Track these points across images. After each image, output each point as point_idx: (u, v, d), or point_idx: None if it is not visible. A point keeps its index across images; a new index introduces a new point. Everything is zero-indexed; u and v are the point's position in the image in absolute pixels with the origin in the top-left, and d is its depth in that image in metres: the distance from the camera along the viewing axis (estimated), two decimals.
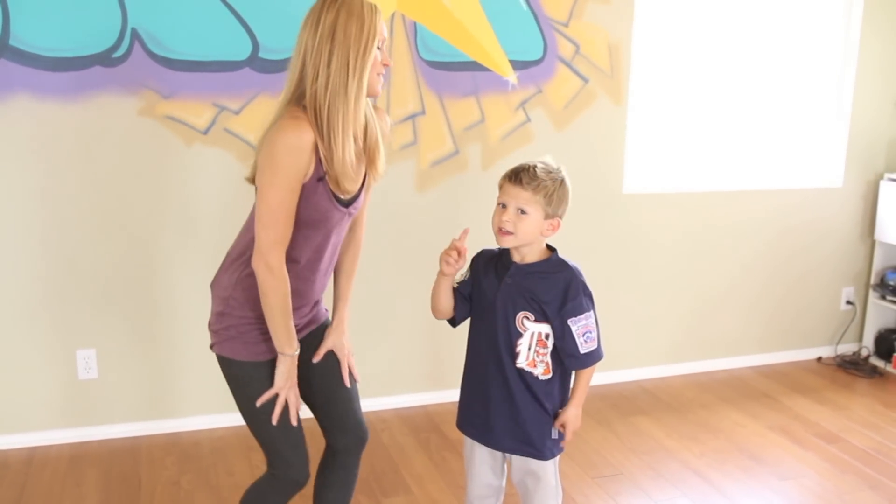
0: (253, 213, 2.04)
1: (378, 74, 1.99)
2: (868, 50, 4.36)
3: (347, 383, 2.20)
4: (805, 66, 4.35)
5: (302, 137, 1.87)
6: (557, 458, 2.26)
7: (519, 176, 2.09)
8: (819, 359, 4.68)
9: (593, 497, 3.13)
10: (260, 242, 1.90)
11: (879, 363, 4.56)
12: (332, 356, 2.23)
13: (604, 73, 3.92)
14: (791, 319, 4.61)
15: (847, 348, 4.73)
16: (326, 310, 2.31)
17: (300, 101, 1.94)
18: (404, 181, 3.72)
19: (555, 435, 2.22)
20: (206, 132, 3.42)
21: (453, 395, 3.97)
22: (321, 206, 1.97)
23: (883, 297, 4.55)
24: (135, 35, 3.26)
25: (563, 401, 2.21)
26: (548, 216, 2.09)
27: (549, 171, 2.09)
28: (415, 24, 3.56)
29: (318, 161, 1.92)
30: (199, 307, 3.58)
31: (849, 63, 4.36)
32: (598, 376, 4.20)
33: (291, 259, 2.01)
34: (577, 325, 2.11)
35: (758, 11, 4.18)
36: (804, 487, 3.24)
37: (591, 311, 2.15)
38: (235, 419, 3.66)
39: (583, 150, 3.95)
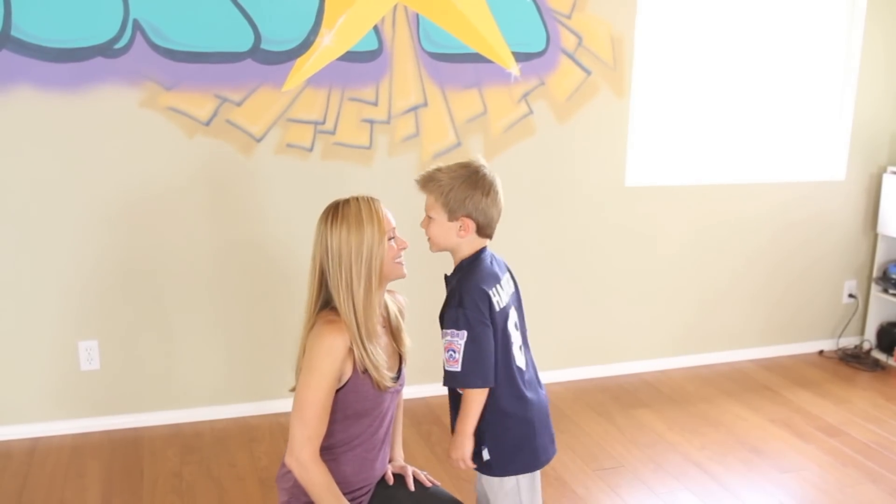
0: None
1: (396, 261, 2.04)
2: (871, 43, 4.34)
3: (412, 487, 2.20)
4: (808, 59, 4.34)
5: (337, 339, 1.95)
6: (505, 480, 2.12)
7: (419, 179, 2.06)
8: (821, 352, 4.68)
9: (594, 489, 3.13)
10: (293, 439, 1.95)
11: (881, 357, 4.56)
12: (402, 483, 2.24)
13: (606, 66, 3.91)
14: (793, 312, 4.61)
15: (849, 342, 4.73)
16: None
17: (329, 304, 2.02)
18: (406, 173, 3.71)
19: (485, 456, 2.11)
20: (207, 124, 3.42)
21: None
22: (371, 394, 2.04)
23: (885, 291, 4.54)
24: (136, 26, 3.25)
25: (488, 418, 2.07)
26: (452, 216, 2.02)
27: (452, 170, 2.01)
28: (417, 15, 3.55)
29: (354, 359, 1.99)
30: (201, 298, 3.59)
31: (852, 56, 4.35)
32: (600, 369, 4.22)
33: (352, 447, 2.08)
34: (445, 339, 1.99)
35: (761, 4, 4.17)
36: (805, 480, 3.25)
37: (461, 331, 1.96)
38: (237, 411, 3.68)
39: (585, 142, 3.95)
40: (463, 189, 1.99)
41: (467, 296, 1.99)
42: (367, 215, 2.00)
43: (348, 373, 1.99)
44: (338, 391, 1.99)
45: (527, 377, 2.12)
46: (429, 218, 2.07)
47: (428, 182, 2.03)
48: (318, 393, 1.93)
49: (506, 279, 2.13)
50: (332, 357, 1.94)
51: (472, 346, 1.97)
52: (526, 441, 2.11)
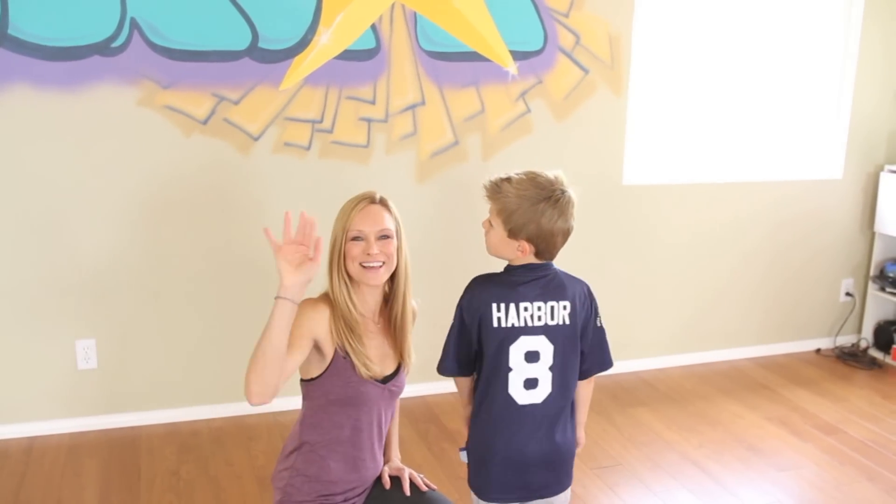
0: (304, 409, 2.13)
1: (363, 266, 2.01)
2: (869, 41, 4.34)
3: (407, 491, 2.17)
4: (806, 57, 4.34)
5: (315, 307, 2.00)
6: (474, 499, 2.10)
7: (486, 186, 1.96)
8: (818, 350, 4.69)
9: (592, 488, 3.14)
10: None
11: (878, 355, 4.57)
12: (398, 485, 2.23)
13: (604, 64, 3.91)
14: (790, 311, 4.61)
15: (846, 340, 4.73)
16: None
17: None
18: (404, 172, 3.71)
19: (463, 457, 2.11)
20: (205, 122, 3.41)
21: (451, 385, 3.97)
22: (353, 381, 2.03)
23: (882, 289, 4.55)
24: (134, 24, 3.24)
25: (473, 424, 2.07)
26: (511, 235, 1.92)
27: (523, 186, 1.89)
28: (415, 14, 3.55)
29: (335, 342, 2.01)
30: (198, 297, 3.59)
31: (849, 54, 4.35)
32: None
33: (340, 442, 2.08)
34: None
35: (759, 3, 4.17)
36: (802, 478, 3.25)
37: (454, 322, 2.01)
38: (234, 409, 3.68)
39: (583, 141, 3.95)
40: (528, 212, 1.88)
41: (469, 292, 1.99)
42: (343, 209, 2.04)
43: (329, 353, 2.00)
44: (321, 376, 2.02)
45: (523, 412, 1.97)
46: (489, 223, 1.97)
47: (495, 193, 1.93)
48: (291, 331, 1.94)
49: (548, 307, 1.96)
50: (306, 316, 1.95)
51: (450, 333, 2.02)
52: (481, 469, 2.05)
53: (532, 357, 1.96)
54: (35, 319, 3.40)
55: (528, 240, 1.92)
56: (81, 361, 3.48)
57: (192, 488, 3.08)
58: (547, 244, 1.93)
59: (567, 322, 1.99)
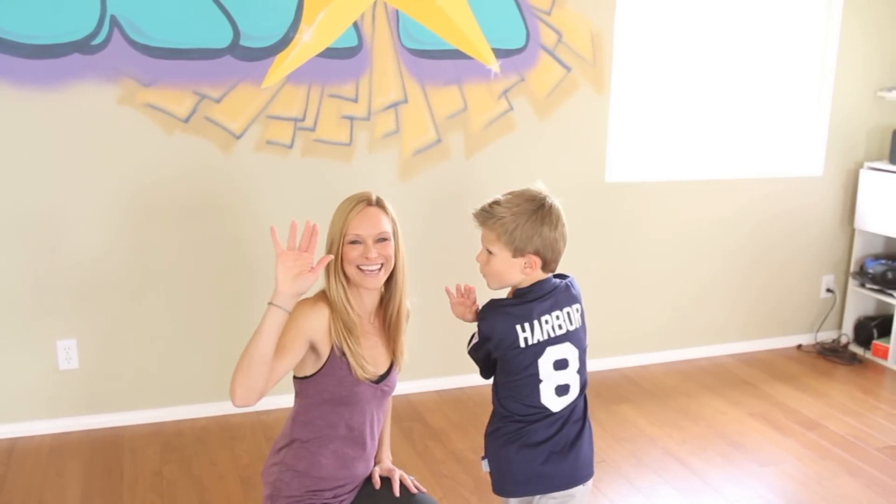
0: (296, 407, 2.13)
1: (360, 269, 2.02)
2: (849, 39, 4.38)
3: (397, 492, 2.17)
4: (786, 55, 4.37)
5: (314, 307, 2.00)
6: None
7: (476, 214, 1.96)
8: (799, 346, 4.72)
9: None
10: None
11: (858, 350, 4.60)
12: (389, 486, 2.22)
13: (586, 62, 3.92)
14: (772, 307, 4.64)
15: (827, 336, 4.77)
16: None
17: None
18: (387, 170, 3.71)
19: (485, 468, 2.08)
20: (186, 121, 3.40)
21: (435, 384, 3.99)
22: (347, 381, 2.04)
23: (862, 285, 4.58)
24: (114, 22, 3.22)
25: (494, 438, 2.06)
26: (517, 253, 1.92)
27: (513, 203, 1.92)
28: (397, 11, 3.55)
29: (332, 341, 2.02)
30: (180, 296, 3.57)
31: (829, 52, 4.38)
32: None
33: (330, 438, 2.08)
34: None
35: (740, 1, 4.19)
36: (784, 473, 3.28)
37: (477, 345, 2.03)
38: (217, 409, 3.67)
39: (565, 138, 3.96)
40: (529, 226, 1.90)
41: (488, 324, 1.97)
42: (339, 210, 2.04)
43: (325, 352, 2.01)
44: (315, 374, 2.02)
45: (554, 422, 1.99)
46: (488, 252, 1.96)
47: (487, 219, 1.93)
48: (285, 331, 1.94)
49: (564, 314, 1.99)
50: (304, 314, 1.97)
51: (474, 352, 2.05)
52: (506, 474, 2.04)
53: (561, 365, 1.98)
54: (15, 319, 3.37)
55: (536, 252, 1.93)
56: (63, 362, 3.45)
57: (175, 488, 3.07)
58: (553, 252, 1.95)
59: (581, 323, 2.05)
